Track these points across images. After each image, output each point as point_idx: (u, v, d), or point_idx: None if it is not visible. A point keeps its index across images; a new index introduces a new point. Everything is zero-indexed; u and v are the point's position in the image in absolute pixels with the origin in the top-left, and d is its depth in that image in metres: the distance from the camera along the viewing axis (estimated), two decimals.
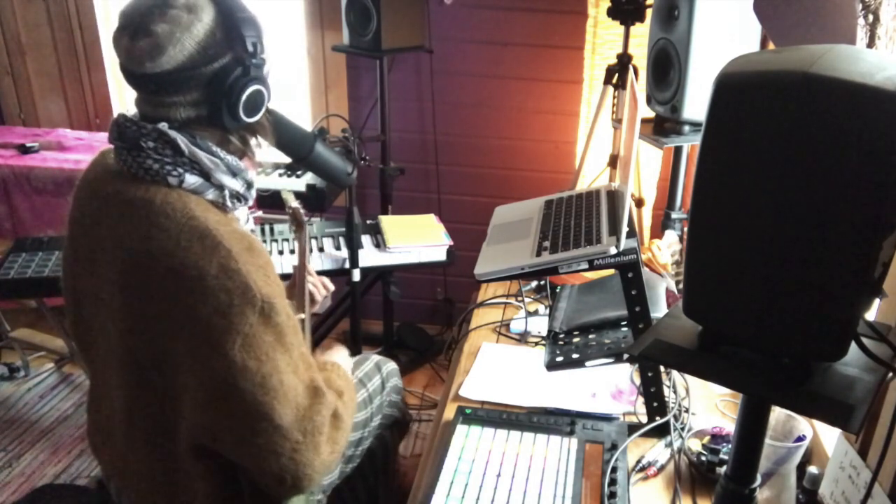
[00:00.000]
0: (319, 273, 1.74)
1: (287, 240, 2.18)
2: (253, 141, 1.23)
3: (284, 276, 2.05)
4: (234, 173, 1.18)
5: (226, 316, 1.05)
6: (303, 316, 1.53)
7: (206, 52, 1.09)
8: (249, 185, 1.22)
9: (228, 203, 1.18)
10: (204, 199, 1.15)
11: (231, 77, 1.11)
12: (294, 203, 1.80)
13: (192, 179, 1.13)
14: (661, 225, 2.17)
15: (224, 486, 1.19)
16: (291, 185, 2.50)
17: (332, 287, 1.70)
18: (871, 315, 1.05)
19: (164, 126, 1.11)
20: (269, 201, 2.49)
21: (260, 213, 2.40)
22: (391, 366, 1.76)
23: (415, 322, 3.09)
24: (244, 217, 1.29)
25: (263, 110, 1.19)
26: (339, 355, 1.50)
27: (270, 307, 1.08)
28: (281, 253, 2.11)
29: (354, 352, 2.17)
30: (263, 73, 1.16)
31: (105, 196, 1.17)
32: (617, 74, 2.25)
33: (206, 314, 1.05)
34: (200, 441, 1.13)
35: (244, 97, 1.12)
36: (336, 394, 1.23)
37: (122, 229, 1.12)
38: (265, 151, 1.32)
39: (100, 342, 1.22)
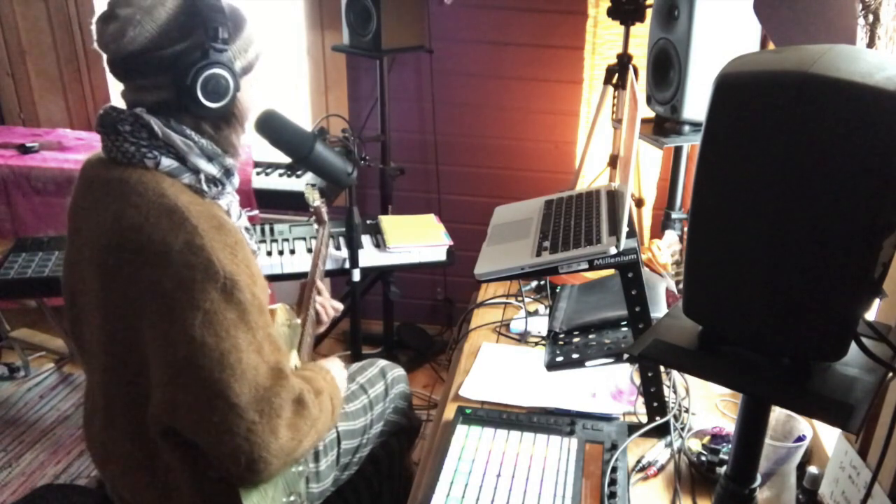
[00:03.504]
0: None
1: (287, 240, 2.17)
2: (227, 130, 1.23)
3: (287, 276, 2.07)
4: (209, 157, 1.19)
5: (188, 291, 1.06)
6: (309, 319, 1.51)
7: (168, 35, 1.12)
8: (228, 172, 1.23)
9: (204, 187, 1.18)
10: (180, 182, 1.16)
11: (189, 60, 1.12)
12: (317, 202, 1.83)
13: (167, 162, 1.15)
14: (661, 225, 2.17)
15: (207, 475, 1.16)
16: (291, 185, 2.50)
17: (340, 307, 1.68)
18: (871, 315, 1.05)
19: (140, 110, 1.14)
20: (273, 201, 2.50)
21: (257, 213, 2.39)
22: (398, 372, 1.74)
23: (415, 322, 3.09)
24: (236, 213, 1.28)
25: (229, 98, 1.17)
26: (333, 364, 1.47)
27: (233, 284, 1.08)
28: (281, 253, 2.10)
29: (354, 352, 2.17)
30: (227, 60, 1.15)
31: (89, 182, 1.20)
32: (617, 74, 2.26)
33: (169, 289, 1.06)
34: (162, 420, 1.12)
35: (200, 80, 1.13)
36: (308, 387, 1.21)
37: (99, 211, 1.14)
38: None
39: (89, 334, 1.22)
